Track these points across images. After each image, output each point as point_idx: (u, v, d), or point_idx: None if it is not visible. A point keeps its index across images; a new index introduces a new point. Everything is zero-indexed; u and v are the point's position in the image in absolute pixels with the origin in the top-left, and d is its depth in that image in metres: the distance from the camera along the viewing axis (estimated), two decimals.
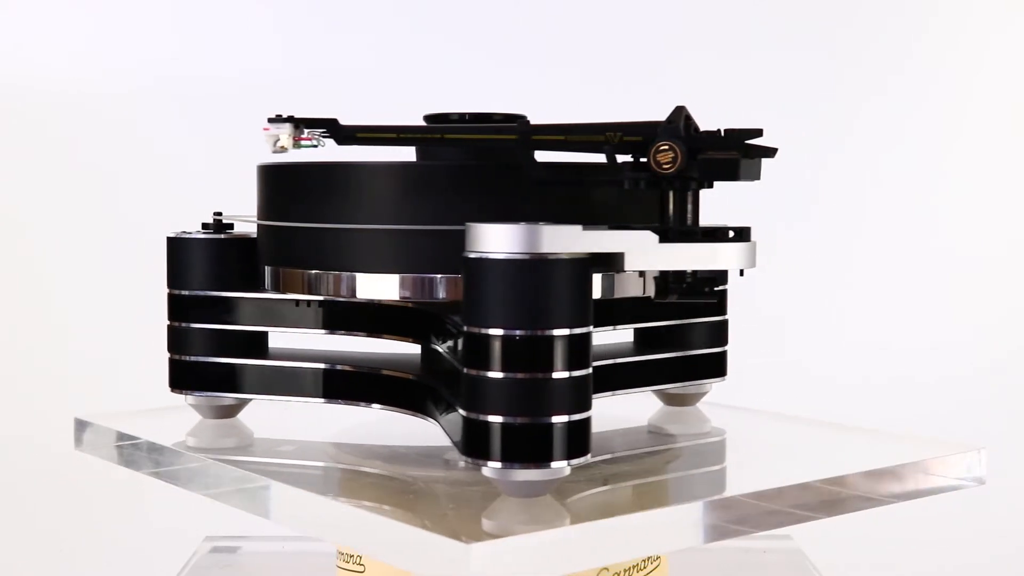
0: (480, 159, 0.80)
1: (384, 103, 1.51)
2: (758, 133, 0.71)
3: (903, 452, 0.82)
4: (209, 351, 0.85)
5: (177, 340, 0.86)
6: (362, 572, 0.84)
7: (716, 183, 0.73)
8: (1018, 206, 1.66)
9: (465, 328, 0.67)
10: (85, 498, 1.46)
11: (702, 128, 0.73)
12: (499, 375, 0.66)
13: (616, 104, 1.63)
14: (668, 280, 0.72)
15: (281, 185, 0.82)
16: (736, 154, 0.70)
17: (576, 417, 0.67)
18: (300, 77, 1.60)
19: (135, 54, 1.60)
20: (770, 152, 0.71)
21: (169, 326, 0.87)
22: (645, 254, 0.69)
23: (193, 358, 0.86)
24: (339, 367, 0.84)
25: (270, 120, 0.79)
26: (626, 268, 0.69)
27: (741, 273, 0.74)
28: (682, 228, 0.71)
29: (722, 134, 0.71)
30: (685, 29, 1.67)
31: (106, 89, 1.59)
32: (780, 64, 1.65)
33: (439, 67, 1.62)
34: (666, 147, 0.70)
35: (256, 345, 0.86)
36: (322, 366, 0.84)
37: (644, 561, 0.83)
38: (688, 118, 0.72)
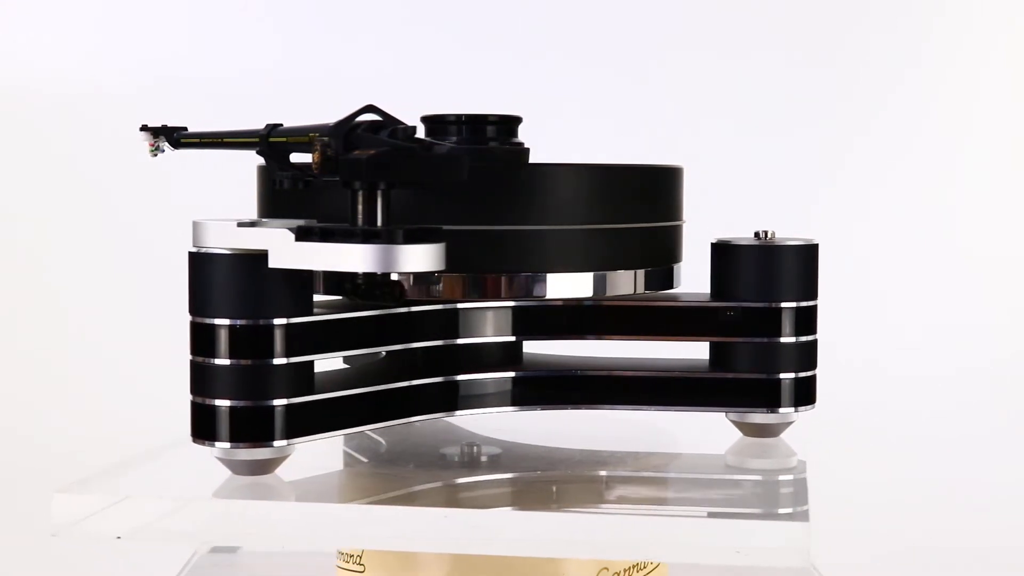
0: (474, 160, 0.81)
1: (394, 103, 1.51)
2: (411, 130, 0.71)
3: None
4: None
5: None
6: (362, 572, 0.83)
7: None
8: None
9: (192, 319, 0.73)
10: None
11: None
12: (225, 362, 0.71)
13: (619, 107, 1.63)
14: (354, 279, 0.73)
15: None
16: (360, 154, 0.68)
17: (296, 400, 0.72)
18: (305, 78, 1.61)
19: (138, 55, 1.60)
20: (431, 147, 0.70)
21: None
22: (284, 252, 0.70)
23: None
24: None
25: (140, 129, 0.85)
26: (270, 265, 0.70)
27: (437, 276, 0.75)
28: (323, 227, 0.70)
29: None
30: (688, 30, 1.66)
31: (109, 90, 1.59)
32: (788, 66, 1.65)
33: (442, 68, 1.62)
34: (317, 147, 0.70)
35: None
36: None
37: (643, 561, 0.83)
38: (378, 117, 0.71)
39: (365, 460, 0.85)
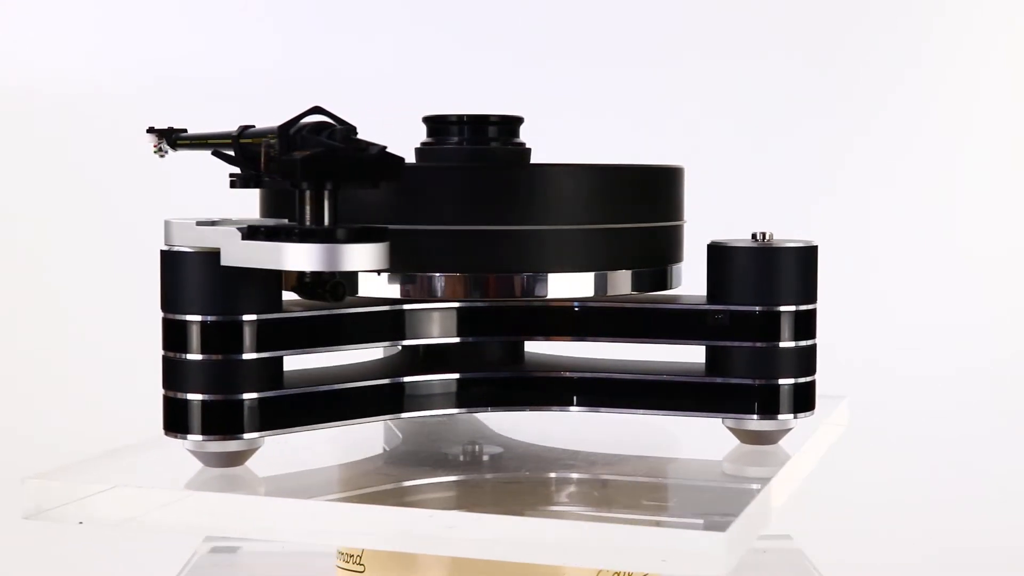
0: (476, 160, 0.81)
1: (394, 103, 1.51)
2: (351, 130, 0.71)
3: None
4: None
5: None
6: (362, 572, 0.83)
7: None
8: None
9: (164, 315, 0.74)
10: None
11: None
12: (196, 357, 0.72)
13: (619, 107, 1.63)
14: (301, 278, 0.73)
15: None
16: (297, 155, 0.68)
17: (267, 394, 0.74)
18: (305, 78, 1.61)
19: (138, 55, 1.60)
20: (366, 148, 0.70)
21: None
22: (233, 251, 0.71)
23: None
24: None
25: (147, 131, 0.86)
26: (222, 263, 0.72)
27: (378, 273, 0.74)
28: (269, 226, 0.70)
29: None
30: (688, 31, 1.66)
31: (109, 90, 1.59)
32: (788, 66, 1.65)
33: (442, 68, 1.62)
34: (263, 148, 0.71)
35: None
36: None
37: None
38: (324, 119, 0.71)
39: (371, 454, 0.85)
